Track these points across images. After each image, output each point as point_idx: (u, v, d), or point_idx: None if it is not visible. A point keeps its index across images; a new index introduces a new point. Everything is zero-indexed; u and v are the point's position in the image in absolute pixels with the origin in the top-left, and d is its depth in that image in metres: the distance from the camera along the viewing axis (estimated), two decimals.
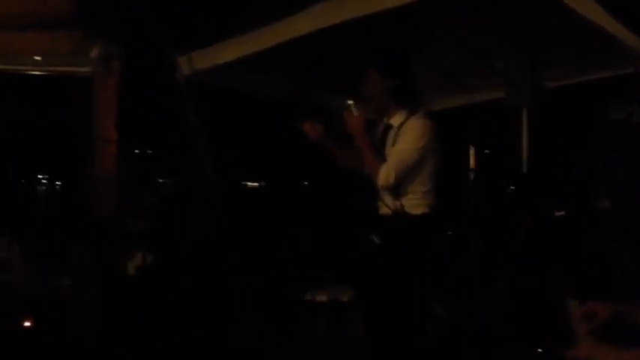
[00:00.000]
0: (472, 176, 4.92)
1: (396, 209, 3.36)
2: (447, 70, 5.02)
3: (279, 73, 5.09)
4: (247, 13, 4.99)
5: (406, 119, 3.45)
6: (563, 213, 4.13)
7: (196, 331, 4.11)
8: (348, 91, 3.66)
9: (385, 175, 3.35)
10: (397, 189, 3.38)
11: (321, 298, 4.57)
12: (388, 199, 3.43)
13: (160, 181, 5.48)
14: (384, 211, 3.46)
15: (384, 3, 3.70)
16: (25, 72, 4.59)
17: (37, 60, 4.46)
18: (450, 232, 3.57)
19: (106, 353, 3.82)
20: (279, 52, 4.29)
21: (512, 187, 4.38)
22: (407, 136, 3.39)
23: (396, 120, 3.49)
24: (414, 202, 3.39)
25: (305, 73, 5.05)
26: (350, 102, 3.43)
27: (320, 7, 3.93)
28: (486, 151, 5.40)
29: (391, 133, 3.49)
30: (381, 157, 3.42)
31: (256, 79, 5.18)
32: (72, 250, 4.21)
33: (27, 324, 4.17)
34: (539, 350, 3.15)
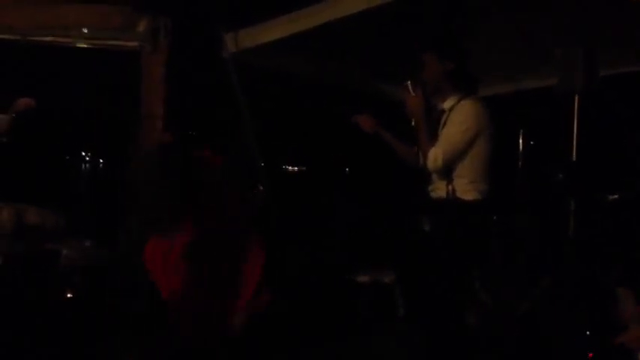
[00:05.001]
0: (521, 163, 4.83)
1: (447, 193, 3.33)
2: (497, 56, 4.89)
3: (325, 55, 5.03)
4: None
5: (457, 103, 3.40)
6: (616, 196, 4.01)
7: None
8: (397, 75, 3.60)
9: (433, 158, 3.31)
10: (447, 173, 3.34)
11: (363, 279, 4.54)
12: (440, 183, 3.39)
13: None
14: (436, 194, 3.43)
15: None
16: (73, 45, 4.63)
17: (85, 33, 4.49)
18: (499, 219, 3.51)
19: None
20: (325, 33, 4.24)
21: (561, 175, 4.27)
22: (455, 120, 3.36)
23: (448, 104, 3.45)
24: (465, 187, 3.34)
25: (352, 56, 4.99)
26: (408, 83, 3.38)
27: None
28: (531, 142, 5.29)
29: (443, 118, 3.44)
30: (434, 141, 3.37)
31: (301, 61, 5.12)
32: (120, 225, 4.24)
33: (69, 295, 4.24)
34: (587, 335, 3.09)
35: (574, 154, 4.29)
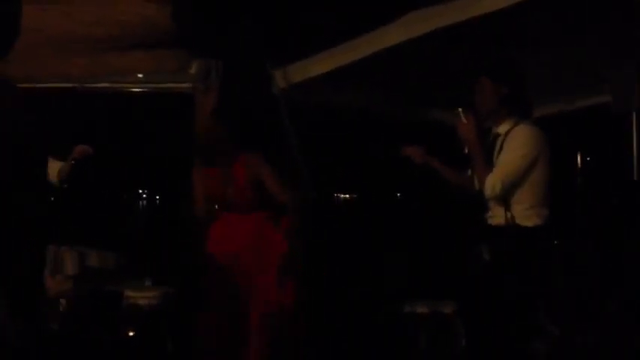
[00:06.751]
0: (579, 184, 4.71)
1: (507, 220, 3.26)
2: (549, 76, 4.82)
3: (372, 85, 5.05)
4: (339, 26, 4.98)
5: (512, 127, 3.35)
6: None
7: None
8: (447, 101, 3.57)
9: (492, 184, 3.25)
10: (506, 199, 3.28)
11: (422, 310, 4.47)
12: (499, 210, 3.33)
13: None
14: (495, 221, 3.37)
15: (475, 10, 3.54)
16: (129, 89, 4.76)
17: (140, 77, 4.61)
18: (561, 244, 3.43)
19: None
20: (371, 64, 4.25)
21: (621, 195, 4.15)
22: (512, 145, 3.30)
23: (503, 128, 3.40)
24: (525, 213, 3.28)
25: (401, 85, 4.99)
26: (459, 109, 3.35)
27: (411, 16, 3.85)
28: (588, 158, 5.16)
29: (498, 142, 3.39)
30: (490, 167, 3.31)
31: (350, 93, 5.16)
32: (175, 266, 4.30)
33: (132, 334, 4.31)
34: None
35: (635, 173, 4.18)
